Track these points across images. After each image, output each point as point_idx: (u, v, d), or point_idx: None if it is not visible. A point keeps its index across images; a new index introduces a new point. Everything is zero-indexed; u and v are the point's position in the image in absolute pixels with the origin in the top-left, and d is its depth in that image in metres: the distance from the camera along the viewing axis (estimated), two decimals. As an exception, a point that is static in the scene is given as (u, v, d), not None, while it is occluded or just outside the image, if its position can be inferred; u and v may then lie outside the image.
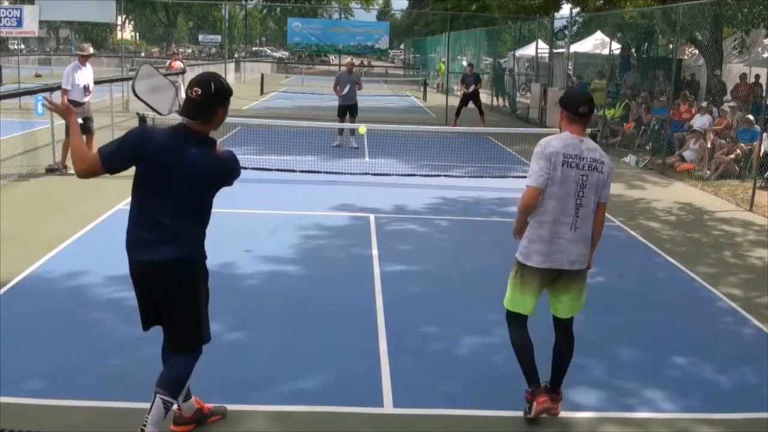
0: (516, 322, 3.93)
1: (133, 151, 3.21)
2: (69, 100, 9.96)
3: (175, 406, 3.54)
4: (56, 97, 10.25)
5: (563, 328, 3.97)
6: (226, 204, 8.64)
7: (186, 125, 3.26)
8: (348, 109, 13.89)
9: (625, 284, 6.50)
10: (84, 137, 10.21)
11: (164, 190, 3.22)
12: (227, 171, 3.33)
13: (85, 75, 10.27)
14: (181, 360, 3.44)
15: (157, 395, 3.34)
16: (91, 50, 10.81)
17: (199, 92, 3.18)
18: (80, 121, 10.04)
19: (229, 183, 3.38)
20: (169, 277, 3.32)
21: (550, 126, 17.94)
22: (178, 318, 3.40)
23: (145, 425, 3.32)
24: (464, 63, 31.57)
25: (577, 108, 3.75)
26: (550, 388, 3.97)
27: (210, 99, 3.20)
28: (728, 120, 12.93)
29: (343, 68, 15.05)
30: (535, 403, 3.84)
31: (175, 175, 3.19)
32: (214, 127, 3.31)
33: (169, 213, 3.24)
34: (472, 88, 17.49)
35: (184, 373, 3.44)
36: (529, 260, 3.79)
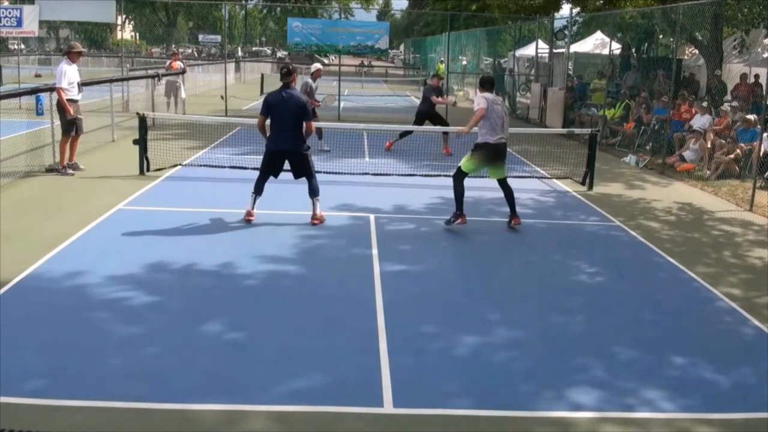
0: (462, 177, 7.97)
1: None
2: (67, 99, 9.97)
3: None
4: (55, 97, 10.27)
5: (502, 183, 8.10)
6: (226, 204, 8.68)
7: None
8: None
9: (625, 284, 6.50)
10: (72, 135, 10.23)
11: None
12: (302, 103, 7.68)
13: (76, 73, 10.25)
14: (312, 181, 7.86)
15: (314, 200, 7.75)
16: (80, 48, 10.78)
17: (286, 70, 7.69)
18: (81, 116, 10.09)
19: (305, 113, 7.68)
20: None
21: (550, 126, 17.97)
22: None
23: None
24: (463, 62, 31.65)
25: (488, 84, 8.31)
26: (511, 215, 8.05)
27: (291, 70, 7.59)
28: (728, 120, 12.93)
29: (334, 69, 14.36)
30: (459, 220, 7.88)
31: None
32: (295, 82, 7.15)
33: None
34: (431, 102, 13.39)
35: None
36: (486, 139, 7.87)
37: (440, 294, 6.00)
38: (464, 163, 7.96)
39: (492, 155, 7.83)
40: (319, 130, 12.92)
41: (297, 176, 7.95)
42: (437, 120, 13.58)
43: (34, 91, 10.88)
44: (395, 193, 9.79)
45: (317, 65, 13.11)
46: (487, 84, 8.23)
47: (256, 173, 10.42)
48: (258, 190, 7.79)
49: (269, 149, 7.70)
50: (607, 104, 16.06)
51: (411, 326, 5.20)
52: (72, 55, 10.25)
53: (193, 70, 27.48)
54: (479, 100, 7.89)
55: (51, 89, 10.30)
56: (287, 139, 7.58)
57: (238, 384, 4.21)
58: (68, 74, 9.99)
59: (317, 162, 11.79)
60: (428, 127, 13.27)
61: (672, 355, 4.88)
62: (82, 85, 10.57)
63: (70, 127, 10.06)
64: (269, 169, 7.80)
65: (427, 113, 13.52)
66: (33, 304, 5.31)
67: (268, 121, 7.76)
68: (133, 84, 17.96)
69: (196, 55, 55.44)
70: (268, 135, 7.74)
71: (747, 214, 9.52)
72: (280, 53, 59.88)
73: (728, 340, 5.32)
